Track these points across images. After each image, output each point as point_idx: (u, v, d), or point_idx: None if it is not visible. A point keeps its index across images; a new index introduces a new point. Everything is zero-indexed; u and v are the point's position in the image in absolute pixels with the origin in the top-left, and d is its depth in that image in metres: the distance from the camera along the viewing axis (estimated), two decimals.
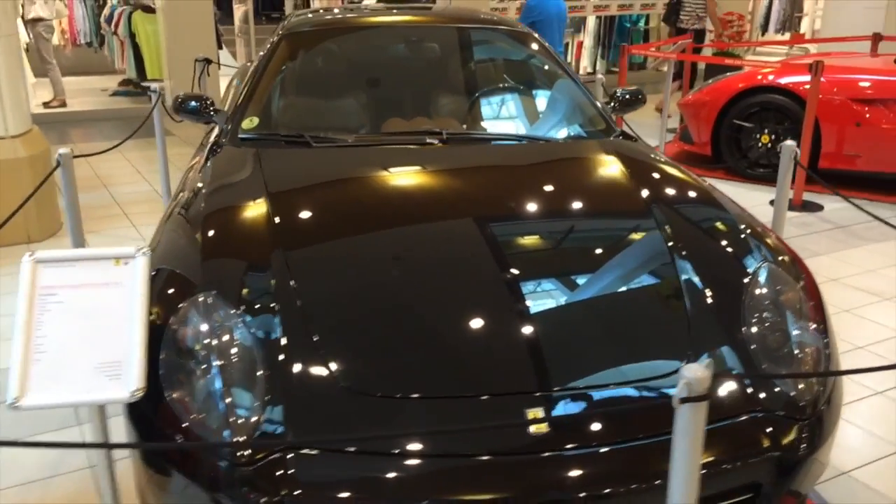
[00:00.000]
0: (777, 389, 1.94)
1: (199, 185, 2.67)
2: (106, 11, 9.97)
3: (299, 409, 1.81)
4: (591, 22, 11.90)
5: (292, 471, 1.69)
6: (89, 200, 5.22)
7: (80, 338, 1.57)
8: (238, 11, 10.60)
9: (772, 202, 4.65)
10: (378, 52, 3.57)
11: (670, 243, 2.30)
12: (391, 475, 1.71)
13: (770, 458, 1.84)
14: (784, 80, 5.94)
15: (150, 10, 9.27)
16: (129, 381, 1.54)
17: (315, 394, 1.84)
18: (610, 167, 2.78)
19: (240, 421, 1.78)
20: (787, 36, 13.94)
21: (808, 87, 5.44)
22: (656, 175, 2.76)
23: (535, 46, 3.56)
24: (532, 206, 2.53)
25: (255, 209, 2.39)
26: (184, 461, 1.76)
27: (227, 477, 1.72)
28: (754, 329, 2.07)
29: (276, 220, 2.32)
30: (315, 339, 1.93)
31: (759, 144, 6.10)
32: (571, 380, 1.89)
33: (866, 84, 5.62)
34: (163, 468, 1.81)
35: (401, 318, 2.05)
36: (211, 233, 2.31)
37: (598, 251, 2.36)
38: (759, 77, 6.17)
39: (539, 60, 3.53)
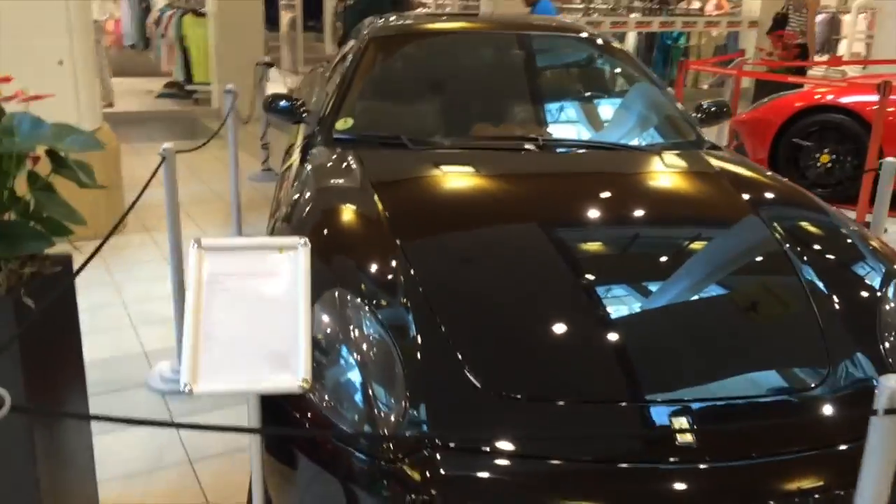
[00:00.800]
0: None
1: (301, 186, 2.69)
2: (154, 14, 10.08)
3: (440, 408, 1.80)
4: (631, 38, 11.90)
5: (440, 470, 1.68)
6: (148, 199, 5.26)
7: (247, 326, 1.57)
8: (285, 18, 10.68)
9: None
10: (464, 58, 3.58)
11: (788, 250, 2.29)
12: (541, 479, 1.69)
13: None
14: (846, 100, 5.91)
15: (200, 14, 9.37)
16: (298, 371, 1.54)
17: (454, 393, 1.83)
18: (716, 178, 2.77)
19: (382, 416, 1.77)
20: (825, 57, 13.91)
21: (871, 107, 5.41)
22: (764, 184, 2.76)
23: (621, 56, 3.58)
24: (648, 214, 2.53)
25: (366, 207, 2.39)
26: (327, 454, 1.75)
27: (371, 472, 1.71)
28: (887, 343, 2.04)
29: (389, 217, 2.32)
30: (447, 336, 1.93)
31: (818, 164, 6.07)
32: (715, 390, 1.88)
33: None
34: (299, 460, 1.80)
35: (531, 317, 2.04)
36: (325, 231, 2.32)
37: (721, 259, 2.35)
38: (818, 96, 6.15)
39: (625, 69, 3.53)
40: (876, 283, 2.21)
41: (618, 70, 3.54)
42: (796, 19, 8.24)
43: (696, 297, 2.17)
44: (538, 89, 3.40)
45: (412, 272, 2.09)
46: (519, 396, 1.83)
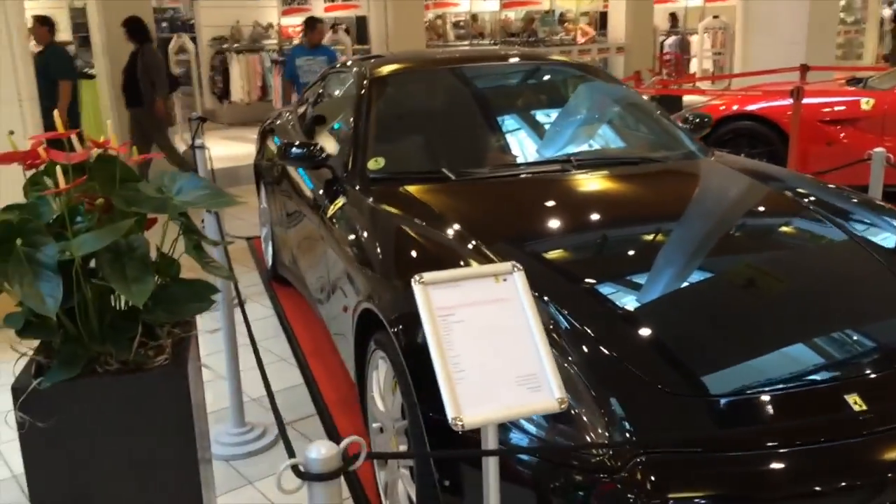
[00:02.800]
0: None
1: (374, 230, 2.71)
2: None
3: (635, 413, 1.86)
4: None
5: (664, 475, 1.74)
6: None
7: (490, 354, 1.57)
8: None
9: None
10: (471, 90, 3.68)
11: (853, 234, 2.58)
12: (759, 472, 1.78)
13: None
14: (753, 107, 6.46)
15: (88, 76, 8.94)
16: (552, 390, 1.55)
17: (640, 396, 1.90)
18: (752, 179, 3.04)
19: (590, 428, 1.80)
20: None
21: (779, 111, 5.99)
22: (783, 176, 3.15)
23: (611, 80, 3.84)
24: (723, 212, 2.80)
25: (461, 237, 2.45)
26: (552, 471, 1.77)
27: (596, 485, 1.74)
28: None
29: (488, 244, 2.40)
30: (602, 343, 2.02)
31: None
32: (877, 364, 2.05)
33: (832, 108, 6.22)
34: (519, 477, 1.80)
35: (682, 318, 2.17)
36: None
37: (816, 241, 2.67)
38: (723, 108, 6.67)
39: (624, 94, 3.77)
40: None
41: (620, 95, 3.76)
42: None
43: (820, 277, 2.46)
44: (551, 114, 3.54)
45: (545, 297, 2.15)
46: (702, 392, 1.92)
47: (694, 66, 16.34)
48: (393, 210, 2.80)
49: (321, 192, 3.34)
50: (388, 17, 9.52)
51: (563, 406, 1.54)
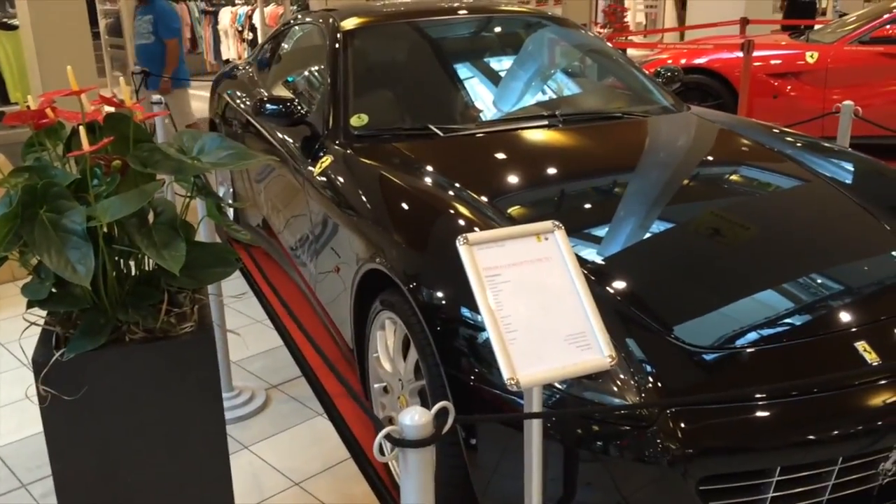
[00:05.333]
0: None
1: (370, 189, 2.66)
2: None
3: (661, 368, 1.90)
4: None
5: (693, 426, 1.78)
6: None
7: (539, 313, 1.56)
8: (102, 24, 9.83)
9: None
10: (450, 43, 3.61)
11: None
12: (782, 420, 1.85)
13: None
14: (703, 61, 6.56)
15: (9, 27, 8.39)
16: (601, 348, 1.56)
17: (661, 351, 1.94)
18: (733, 132, 3.10)
19: (622, 383, 1.83)
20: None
21: (728, 65, 6.10)
22: (759, 127, 3.28)
23: (590, 35, 3.84)
24: (720, 162, 2.91)
25: (469, 196, 2.43)
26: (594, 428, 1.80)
27: (634, 437, 1.77)
28: None
29: (492, 201, 2.39)
30: (632, 293, 2.06)
31: None
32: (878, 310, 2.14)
33: (778, 61, 6.37)
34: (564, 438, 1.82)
35: (691, 272, 2.21)
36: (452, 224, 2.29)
37: (810, 193, 2.72)
38: (670, 61, 6.75)
39: (598, 47, 3.76)
40: None
41: (595, 48, 3.75)
42: None
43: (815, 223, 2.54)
44: (533, 68, 3.51)
45: None
46: (721, 344, 1.97)
47: (629, 19, 16.50)
48: (386, 167, 2.74)
49: (299, 149, 3.24)
50: None
51: (613, 363, 1.56)
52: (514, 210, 2.40)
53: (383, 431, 1.20)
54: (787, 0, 13.14)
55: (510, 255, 1.60)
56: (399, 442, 1.20)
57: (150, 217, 1.65)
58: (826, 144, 3.04)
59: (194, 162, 1.65)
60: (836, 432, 1.85)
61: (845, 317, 2.11)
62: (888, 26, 6.06)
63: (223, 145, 1.67)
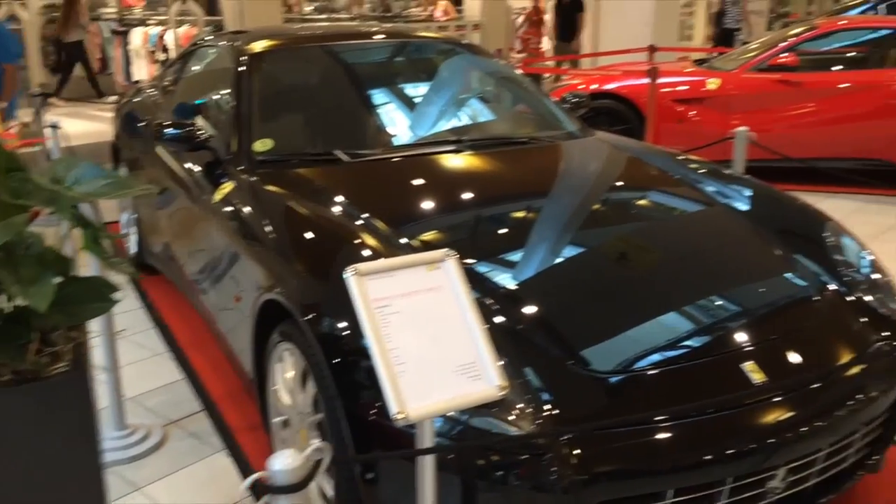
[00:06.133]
0: None
1: (271, 216, 2.60)
2: None
3: (552, 388, 1.90)
4: None
5: (588, 452, 1.79)
6: None
7: (429, 344, 1.53)
8: None
9: None
10: (354, 68, 3.59)
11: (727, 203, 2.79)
12: (675, 443, 1.87)
13: None
14: (613, 86, 6.73)
15: None
16: (491, 378, 1.54)
17: (550, 370, 1.94)
18: (635, 157, 3.16)
19: (511, 402, 1.82)
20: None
21: (636, 91, 6.28)
22: (656, 152, 3.39)
23: (499, 62, 3.88)
24: (612, 190, 2.96)
25: (370, 223, 2.40)
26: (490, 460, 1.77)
27: (529, 465, 1.76)
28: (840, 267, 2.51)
29: (391, 225, 2.37)
30: (527, 318, 2.07)
31: None
32: (764, 329, 2.20)
33: (683, 87, 6.59)
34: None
35: (586, 296, 2.23)
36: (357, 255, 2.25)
37: (701, 215, 2.81)
38: (582, 87, 6.90)
39: (507, 74, 3.81)
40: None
41: (504, 74, 3.79)
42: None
43: (704, 246, 2.61)
44: (442, 94, 3.51)
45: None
46: (615, 367, 1.99)
47: (546, 45, 16.86)
48: (287, 194, 2.69)
49: (202, 175, 3.15)
50: None
51: (503, 393, 1.54)
52: (419, 237, 2.37)
53: (250, 479, 1.14)
54: (716, 28, 13.76)
55: (401, 285, 1.58)
56: (268, 488, 1.15)
57: None
58: (724, 171, 3.13)
59: (69, 192, 1.56)
60: (726, 452, 1.88)
61: (738, 338, 2.16)
62: (783, 55, 6.35)
63: (101, 174, 1.59)
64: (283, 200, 2.67)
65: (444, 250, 1.63)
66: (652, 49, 8.61)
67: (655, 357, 2.05)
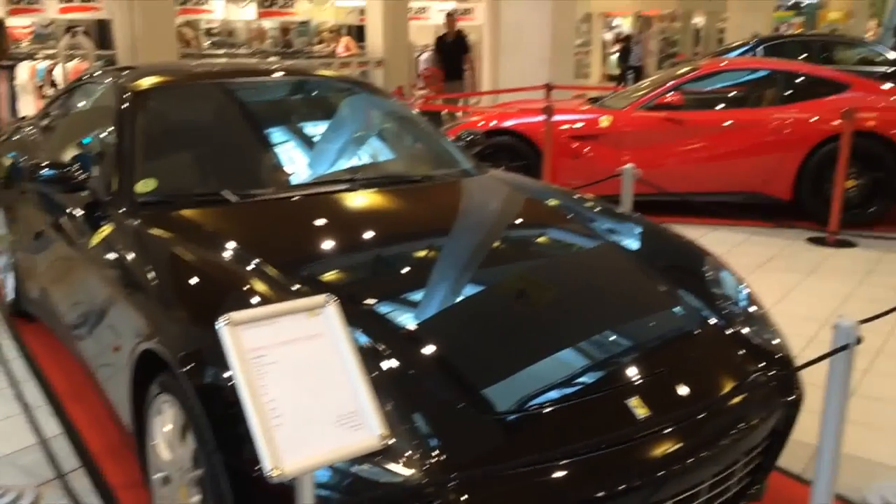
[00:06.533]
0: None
1: (150, 261, 2.50)
2: None
3: (440, 432, 1.87)
4: None
5: (476, 495, 1.77)
6: None
7: (307, 395, 1.48)
8: None
9: None
10: (244, 106, 3.52)
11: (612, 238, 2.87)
12: (560, 483, 1.87)
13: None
14: (511, 123, 6.87)
15: None
16: (373, 427, 1.50)
17: (440, 413, 1.92)
18: (527, 195, 3.21)
19: (397, 449, 1.78)
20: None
21: (533, 127, 6.45)
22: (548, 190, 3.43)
23: (395, 101, 3.90)
24: (497, 226, 3.01)
25: (259, 267, 2.33)
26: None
27: None
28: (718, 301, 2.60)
29: (282, 269, 2.31)
30: (420, 360, 2.05)
31: None
32: (648, 365, 2.25)
33: (578, 124, 6.79)
34: None
35: (477, 335, 2.22)
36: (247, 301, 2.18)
37: (590, 256, 2.85)
38: (481, 123, 7.01)
39: (402, 113, 3.82)
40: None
41: (399, 113, 3.79)
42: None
43: (589, 286, 2.64)
44: (334, 133, 3.48)
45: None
46: (501, 408, 1.98)
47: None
48: (171, 237, 2.59)
49: (80, 217, 3.00)
50: (135, 21, 8.85)
51: (385, 442, 1.50)
52: (315, 280, 2.32)
53: None
54: (623, 65, 14.42)
55: (279, 333, 1.53)
56: None
57: None
58: (613, 208, 3.20)
59: None
60: (616, 489, 1.89)
61: (626, 373, 2.20)
62: (669, 94, 6.64)
63: None
64: (166, 244, 2.57)
65: (325, 295, 1.59)
66: (549, 87, 8.86)
67: (548, 395, 2.06)
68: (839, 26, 21.36)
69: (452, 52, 10.96)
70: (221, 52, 12.04)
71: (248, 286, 2.23)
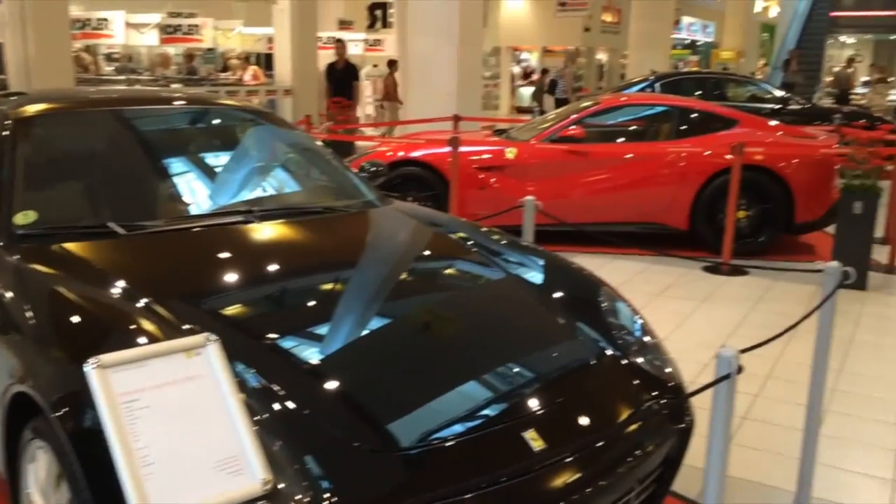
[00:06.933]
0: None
1: (25, 297, 2.35)
2: None
3: (335, 473, 1.82)
4: None
5: None
6: None
7: (183, 440, 1.41)
8: None
9: None
10: (137, 135, 3.39)
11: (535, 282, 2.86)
12: None
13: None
14: (419, 154, 6.90)
15: None
16: (255, 472, 1.44)
17: (335, 453, 1.87)
18: (428, 227, 3.21)
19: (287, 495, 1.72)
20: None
21: (442, 159, 6.50)
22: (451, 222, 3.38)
23: (297, 132, 3.84)
24: (397, 262, 2.93)
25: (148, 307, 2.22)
26: None
27: None
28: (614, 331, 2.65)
29: (174, 309, 2.21)
30: (306, 394, 1.99)
31: None
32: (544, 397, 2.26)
33: (486, 156, 6.88)
34: None
35: (362, 370, 2.18)
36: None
37: (478, 293, 2.79)
38: (390, 154, 7.03)
39: (304, 143, 3.76)
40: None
41: (300, 144, 3.73)
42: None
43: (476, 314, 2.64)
44: (232, 163, 3.39)
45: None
46: (397, 445, 1.95)
47: (358, 112, 17.12)
48: (51, 272, 2.45)
49: None
50: (27, 44, 8.48)
51: (268, 487, 1.44)
52: (208, 317, 2.23)
53: None
54: (552, 97, 14.75)
55: (153, 375, 1.45)
56: None
57: None
58: (514, 240, 3.21)
59: None
60: None
61: (526, 405, 2.21)
62: (572, 127, 6.82)
63: None
64: (46, 279, 2.43)
65: (205, 335, 1.53)
66: (457, 118, 8.96)
67: (450, 429, 2.04)
68: (731, 65, 22.55)
69: (342, 80, 11.07)
70: (122, 77, 11.67)
71: (133, 325, 2.12)
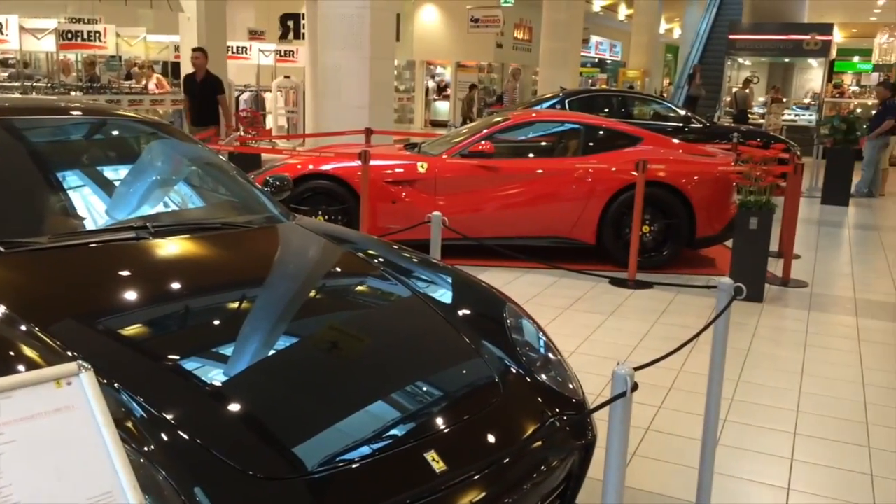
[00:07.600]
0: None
1: None
2: None
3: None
4: None
5: None
6: None
7: (53, 477, 1.30)
8: None
9: None
10: (24, 146, 3.19)
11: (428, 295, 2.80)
12: None
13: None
14: (329, 167, 6.81)
15: None
16: None
17: (227, 484, 1.79)
18: (331, 243, 3.14)
19: None
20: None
21: (353, 173, 6.43)
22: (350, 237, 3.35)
23: (197, 145, 3.72)
24: (299, 282, 2.84)
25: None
26: None
27: None
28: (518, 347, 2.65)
29: (54, 333, 2.07)
30: (199, 422, 1.91)
31: None
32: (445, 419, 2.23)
33: (398, 170, 6.84)
34: None
35: (241, 396, 2.10)
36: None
37: (368, 312, 2.77)
38: (299, 167, 6.90)
39: (205, 157, 3.63)
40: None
41: (201, 157, 3.60)
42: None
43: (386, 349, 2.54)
44: (123, 175, 3.24)
45: (116, 383, 1.92)
46: (296, 470, 1.89)
47: (270, 123, 16.84)
48: None
49: None
50: None
51: None
52: (91, 342, 2.11)
53: None
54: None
55: (18, 408, 1.33)
56: None
57: None
58: (423, 257, 3.18)
59: None
60: None
61: (431, 425, 2.17)
62: (482, 142, 6.87)
63: None
64: None
65: (77, 362, 1.42)
66: (368, 132, 8.91)
67: (355, 451, 1.98)
68: (636, 83, 23.32)
69: (203, 94, 9.79)
70: (16, 84, 11.10)
71: (12, 352, 1.98)
